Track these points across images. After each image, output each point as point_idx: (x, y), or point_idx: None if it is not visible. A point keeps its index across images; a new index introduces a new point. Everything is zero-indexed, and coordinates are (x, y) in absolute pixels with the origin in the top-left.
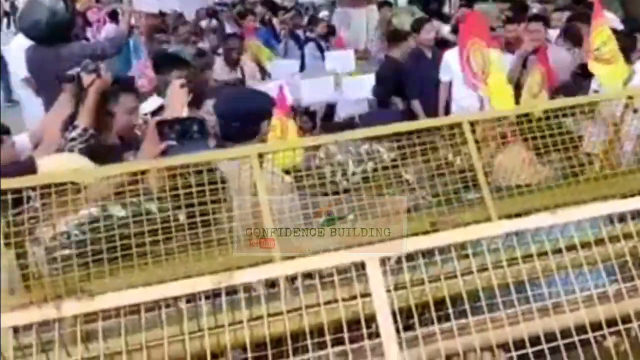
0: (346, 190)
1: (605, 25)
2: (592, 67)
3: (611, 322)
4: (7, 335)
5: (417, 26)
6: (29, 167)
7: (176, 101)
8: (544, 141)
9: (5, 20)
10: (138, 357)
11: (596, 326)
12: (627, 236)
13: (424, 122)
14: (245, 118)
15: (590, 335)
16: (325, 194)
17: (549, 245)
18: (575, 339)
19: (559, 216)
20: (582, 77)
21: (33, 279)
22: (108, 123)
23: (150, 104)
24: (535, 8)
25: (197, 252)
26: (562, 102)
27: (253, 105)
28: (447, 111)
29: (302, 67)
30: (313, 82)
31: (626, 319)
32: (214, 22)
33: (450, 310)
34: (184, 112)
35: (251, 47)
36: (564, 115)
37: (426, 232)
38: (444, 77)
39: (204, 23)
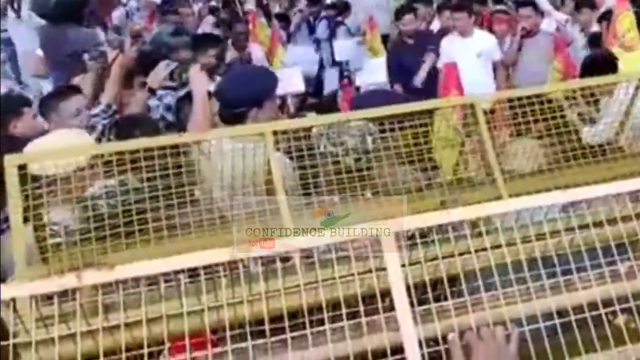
0: (359, 170)
1: (629, 11)
2: (617, 53)
3: (622, 300)
4: (26, 305)
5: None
6: None
7: (200, 85)
8: (555, 122)
9: (10, 8)
10: (157, 328)
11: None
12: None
13: (435, 102)
14: (247, 103)
15: (602, 311)
16: (338, 173)
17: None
18: (587, 314)
19: (569, 195)
20: None
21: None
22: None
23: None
24: None
25: (212, 227)
26: (578, 83)
27: (256, 88)
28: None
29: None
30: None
31: (637, 297)
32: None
33: (464, 286)
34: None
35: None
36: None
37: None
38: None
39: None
